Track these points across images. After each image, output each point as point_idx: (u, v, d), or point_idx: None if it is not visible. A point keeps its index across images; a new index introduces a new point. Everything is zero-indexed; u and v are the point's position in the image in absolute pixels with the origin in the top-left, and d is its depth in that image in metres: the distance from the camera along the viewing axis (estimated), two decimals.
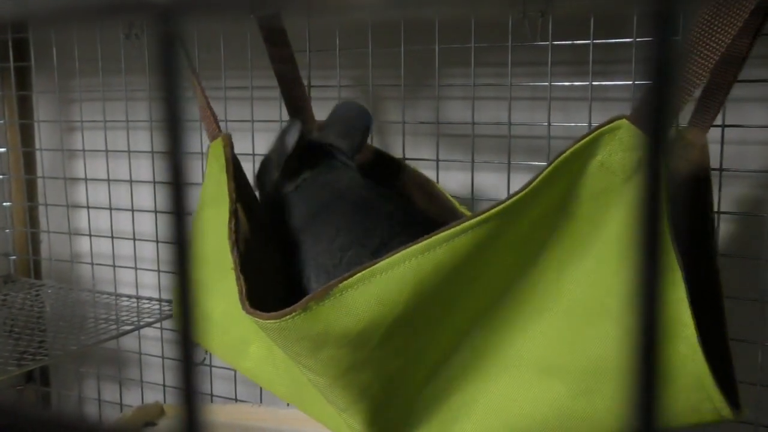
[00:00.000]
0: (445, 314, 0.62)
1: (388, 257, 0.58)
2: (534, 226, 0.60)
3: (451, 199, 0.81)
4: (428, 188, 0.82)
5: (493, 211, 0.57)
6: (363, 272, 0.58)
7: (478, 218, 0.57)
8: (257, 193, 0.83)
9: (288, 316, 0.59)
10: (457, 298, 0.61)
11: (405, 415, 0.66)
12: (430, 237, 0.58)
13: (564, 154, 0.57)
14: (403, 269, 0.58)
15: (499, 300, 0.63)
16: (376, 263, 0.58)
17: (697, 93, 0.63)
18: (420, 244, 0.58)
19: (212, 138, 0.78)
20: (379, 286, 0.58)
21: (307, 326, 0.59)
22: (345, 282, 0.59)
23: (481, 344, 0.64)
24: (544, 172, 0.58)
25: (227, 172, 0.73)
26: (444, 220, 0.67)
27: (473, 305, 0.63)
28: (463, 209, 0.80)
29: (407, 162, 0.88)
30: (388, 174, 0.83)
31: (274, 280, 0.74)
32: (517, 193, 0.58)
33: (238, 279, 0.64)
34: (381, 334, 0.59)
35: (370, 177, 0.81)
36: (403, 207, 0.77)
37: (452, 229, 0.58)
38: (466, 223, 0.58)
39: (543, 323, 0.61)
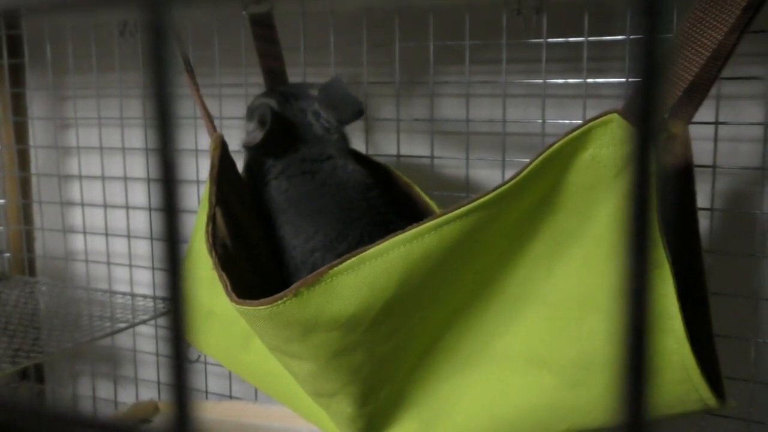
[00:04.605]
0: (434, 301, 0.63)
1: (377, 245, 0.59)
2: (523, 217, 0.61)
3: (430, 202, 0.81)
4: (407, 191, 0.83)
5: (480, 201, 0.58)
6: (352, 259, 0.59)
7: (466, 207, 0.58)
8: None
9: (279, 302, 0.60)
10: (446, 286, 0.62)
11: (395, 399, 0.67)
12: (419, 225, 0.59)
13: (554, 147, 0.58)
14: (392, 256, 0.59)
15: (488, 291, 0.63)
16: (366, 250, 0.59)
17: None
18: (409, 232, 0.59)
19: (210, 137, 0.79)
20: (369, 272, 0.59)
21: (298, 311, 0.60)
22: (335, 269, 0.60)
23: (471, 334, 0.64)
24: (533, 164, 0.58)
25: (210, 175, 0.73)
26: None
27: (463, 293, 0.63)
28: (436, 208, 0.80)
29: (388, 164, 0.87)
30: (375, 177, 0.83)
31: (259, 273, 0.75)
32: (505, 183, 0.58)
33: (220, 276, 0.66)
34: (371, 318, 0.60)
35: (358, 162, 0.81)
36: (382, 211, 0.77)
37: (441, 218, 0.58)
38: (455, 212, 0.58)
39: (532, 315, 0.62)
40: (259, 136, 0.76)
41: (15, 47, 1.24)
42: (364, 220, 0.75)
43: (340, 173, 0.78)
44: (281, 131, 0.77)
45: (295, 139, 0.78)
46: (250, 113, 0.80)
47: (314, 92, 0.82)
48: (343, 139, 0.81)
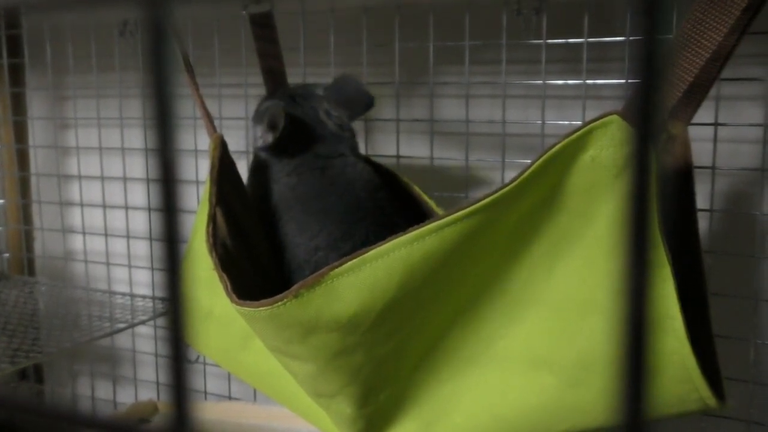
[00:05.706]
0: (435, 302, 0.63)
1: (378, 246, 0.59)
2: (524, 219, 0.61)
3: (429, 200, 0.81)
4: (407, 190, 0.83)
5: (482, 202, 0.58)
6: (353, 261, 0.59)
7: (468, 210, 0.58)
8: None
9: (279, 303, 0.60)
10: (447, 288, 0.62)
11: (396, 401, 0.67)
12: (420, 227, 0.58)
13: (555, 148, 0.58)
14: (392, 258, 0.59)
15: (489, 292, 0.63)
16: (367, 252, 0.59)
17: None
18: (410, 234, 0.59)
19: (210, 137, 0.79)
20: (369, 274, 0.59)
21: (298, 312, 0.60)
22: (336, 270, 0.59)
23: (471, 334, 0.64)
24: (534, 165, 0.58)
25: (210, 175, 0.73)
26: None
27: (463, 295, 0.63)
28: (439, 210, 0.80)
29: (389, 164, 0.87)
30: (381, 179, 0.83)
31: (260, 273, 0.75)
32: (506, 185, 0.58)
33: (221, 277, 0.66)
34: (371, 319, 0.60)
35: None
36: (388, 212, 0.77)
37: (442, 220, 0.58)
38: (456, 215, 0.58)
39: (533, 316, 0.62)
40: (270, 138, 0.76)
41: (15, 47, 1.24)
42: (369, 220, 0.75)
43: (350, 171, 0.78)
44: (294, 131, 0.77)
45: (308, 137, 0.78)
46: (259, 117, 0.80)
47: (320, 91, 0.82)
48: (353, 137, 0.82)
